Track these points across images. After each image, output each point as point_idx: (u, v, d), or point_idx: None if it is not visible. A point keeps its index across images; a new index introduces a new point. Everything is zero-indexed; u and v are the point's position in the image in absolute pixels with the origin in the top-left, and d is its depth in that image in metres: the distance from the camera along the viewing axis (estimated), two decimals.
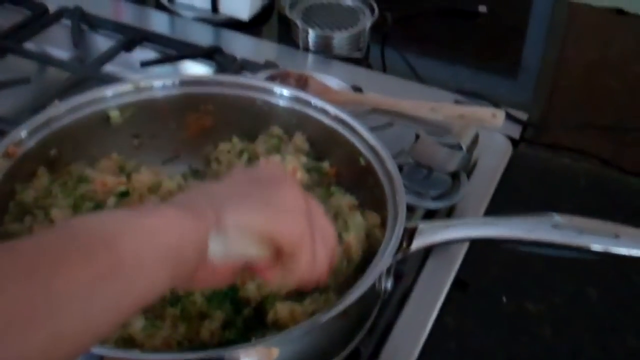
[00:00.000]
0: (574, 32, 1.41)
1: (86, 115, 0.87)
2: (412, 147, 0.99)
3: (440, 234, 0.77)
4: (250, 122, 0.92)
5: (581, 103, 1.21)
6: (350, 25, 1.27)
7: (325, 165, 0.89)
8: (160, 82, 0.91)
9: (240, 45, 1.26)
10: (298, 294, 0.73)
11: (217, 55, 1.20)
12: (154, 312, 0.71)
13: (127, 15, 1.35)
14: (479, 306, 0.87)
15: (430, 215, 0.94)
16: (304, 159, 0.89)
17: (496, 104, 1.13)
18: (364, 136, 0.85)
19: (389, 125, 1.00)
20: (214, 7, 1.32)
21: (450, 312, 0.84)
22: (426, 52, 1.32)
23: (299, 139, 0.91)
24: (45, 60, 1.19)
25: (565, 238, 0.74)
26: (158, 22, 1.32)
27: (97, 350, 0.62)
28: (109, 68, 1.22)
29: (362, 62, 1.25)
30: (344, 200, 0.85)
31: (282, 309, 0.72)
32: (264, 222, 0.58)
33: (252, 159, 0.89)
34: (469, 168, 1.00)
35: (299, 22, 1.25)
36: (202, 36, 1.28)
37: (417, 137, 1.00)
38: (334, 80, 1.07)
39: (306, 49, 1.25)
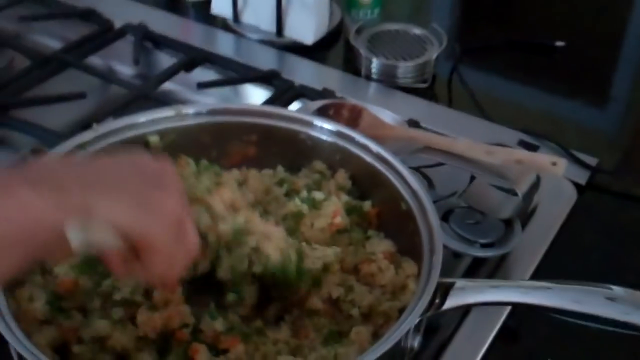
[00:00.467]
0: None
1: (123, 139, 0.85)
2: (465, 189, 0.94)
3: (478, 294, 0.71)
4: (293, 155, 0.89)
5: None
6: (417, 55, 1.22)
7: (367, 205, 0.85)
8: (203, 109, 0.88)
9: (302, 70, 1.23)
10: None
11: (275, 79, 1.17)
12: None
13: (194, 34, 1.33)
14: None
15: (478, 264, 0.88)
16: (345, 197, 0.84)
17: (563, 147, 1.06)
18: (406, 179, 0.80)
19: (442, 163, 0.95)
20: (279, 30, 1.29)
21: None
22: (495, 86, 1.25)
23: (342, 176, 0.87)
24: (103, 76, 1.19)
25: (618, 314, 0.67)
26: (222, 43, 1.31)
27: None
28: (168, 86, 1.21)
29: (426, 93, 1.20)
30: (381, 246, 0.80)
31: None
32: (132, 221, 0.56)
33: (291, 193, 0.85)
34: (525, 215, 0.93)
35: (362, 50, 1.21)
36: (265, 59, 1.25)
37: (472, 178, 0.94)
38: (388, 114, 1.02)
39: (369, 77, 1.21)
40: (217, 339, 0.71)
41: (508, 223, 0.90)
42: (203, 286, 0.75)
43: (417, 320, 0.68)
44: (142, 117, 0.87)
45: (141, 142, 0.86)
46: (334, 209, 0.80)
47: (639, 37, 1.39)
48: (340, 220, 0.80)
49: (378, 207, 0.85)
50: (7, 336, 0.64)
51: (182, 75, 1.21)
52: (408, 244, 0.79)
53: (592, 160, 1.05)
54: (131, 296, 0.72)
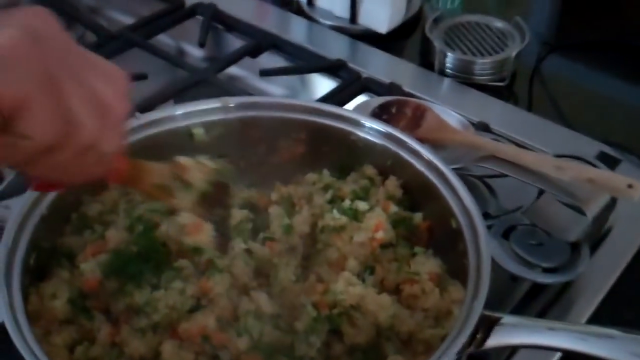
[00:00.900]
0: None
1: (166, 130, 0.81)
2: (531, 204, 0.86)
3: (527, 335, 0.63)
4: (343, 156, 0.83)
5: None
6: (496, 51, 1.13)
7: (418, 217, 0.78)
8: (249, 102, 0.83)
9: (372, 61, 1.16)
10: None
11: (341, 70, 1.11)
12: None
13: (266, 17, 1.28)
14: None
15: (537, 290, 0.81)
16: (394, 207, 0.78)
17: None
18: (459, 193, 0.73)
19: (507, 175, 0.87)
20: (353, 17, 1.23)
21: None
22: (581, 89, 1.16)
23: (392, 184, 0.80)
24: (165, 57, 1.15)
25: None
26: (294, 28, 1.25)
27: None
28: (232, 71, 1.17)
29: (503, 93, 1.12)
30: (427, 265, 0.73)
31: None
32: None
33: (336, 200, 0.79)
34: (595, 239, 0.85)
35: (436, 42, 1.13)
36: (335, 47, 1.19)
37: (541, 193, 0.86)
38: (455, 116, 0.95)
39: (442, 72, 1.14)
40: (238, 358, 0.66)
41: (575, 247, 0.82)
42: None
43: (454, 358, 0.61)
44: (185, 108, 0.82)
45: (185, 133, 0.82)
46: (376, 221, 0.74)
47: None
48: (382, 234, 0.74)
49: (429, 221, 0.78)
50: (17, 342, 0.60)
51: (247, 60, 1.16)
52: (457, 265, 0.72)
53: None
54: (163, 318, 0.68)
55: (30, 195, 0.71)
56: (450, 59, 1.13)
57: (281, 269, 0.72)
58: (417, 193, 0.79)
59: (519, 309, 0.79)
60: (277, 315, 0.70)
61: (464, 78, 1.12)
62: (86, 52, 0.53)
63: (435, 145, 0.89)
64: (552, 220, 0.84)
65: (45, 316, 0.68)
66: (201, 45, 1.18)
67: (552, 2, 1.38)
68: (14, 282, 0.65)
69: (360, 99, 1.07)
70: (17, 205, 0.71)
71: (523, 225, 0.84)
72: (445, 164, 0.75)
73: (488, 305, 0.64)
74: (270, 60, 1.17)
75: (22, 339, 0.61)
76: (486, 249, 0.67)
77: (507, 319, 0.64)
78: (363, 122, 0.81)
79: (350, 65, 1.12)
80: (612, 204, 0.85)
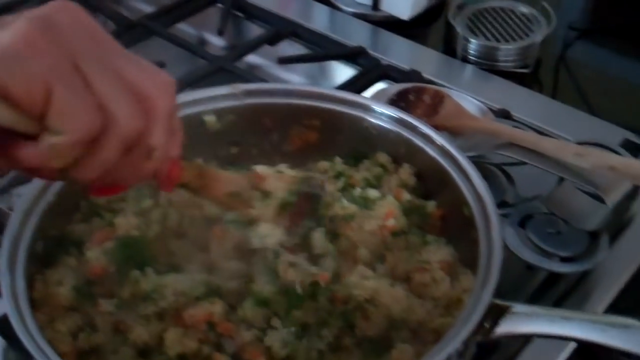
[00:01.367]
0: None
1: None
2: (550, 193, 0.84)
3: (536, 324, 0.61)
4: (356, 143, 0.81)
5: None
6: (521, 37, 1.11)
7: (431, 205, 0.76)
8: (262, 89, 0.82)
9: (393, 48, 1.15)
10: None
11: (360, 57, 1.10)
12: None
13: (288, 4, 1.27)
14: None
15: (554, 279, 0.78)
16: (407, 195, 0.77)
17: None
18: (472, 180, 0.71)
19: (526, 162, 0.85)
20: (375, 3, 1.21)
21: None
22: (605, 75, 1.12)
23: (406, 172, 0.78)
24: (184, 45, 1.15)
25: None
26: (316, 15, 1.24)
27: None
28: (251, 60, 1.16)
29: (527, 80, 1.09)
30: (438, 254, 0.71)
31: None
32: None
33: (347, 188, 0.78)
34: (615, 228, 0.82)
35: (459, 28, 1.11)
36: (357, 34, 1.17)
37: (560, 181, 0.84)
38: (474, 102, 0.93)
39: (465, 59, 1.11)
40: (242, 349, 0.65)
41: (594, 236, 0.79)
42: None
43: (460, 346, 0.59)
44: (197, 95, 0.81)
45: (196, 121, 0.81)
46: (387, 209, 0.73)
47: None
48: (394, 222, 0.73)
49: (443, 209, 0.76)
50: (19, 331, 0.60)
51: (266, 48, 1.15)
52: (469, 254, 0.70)
53: None
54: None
55: (37, 183, 0.71)
56: (473, 46, 1.11)
57: None
58: (431, 181, 0.77)
59: (535, 299, 0.77)
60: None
61: (487, 65, 1.10)
62: (121, 47, 0.50)
63: (453, 132, 0.88)
64: (570, 209, 0.82)
65: (50, 303, 0.68)
66: (220, 33, 1.18)
67: None
68: (18, 269, 0.64)
69: (379, 86, 1.05)
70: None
71: (541, 213, 0.82)
72: (459, 150, 0.73)
73: (502, 294, 0.62)
74: (290, 48, 1.16)
75: (24, 328, 0.60)
76: (498, 237, 0.65)
77: (517, 307, 0.62)
78: (376, 108, 0.80)
79: (370, 52, 1.11)
80: (634, 192, 0.83)
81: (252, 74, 1.10)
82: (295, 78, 1.15)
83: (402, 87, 0.95)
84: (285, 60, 1.10)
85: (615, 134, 0.96)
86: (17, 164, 0.46)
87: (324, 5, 1.26)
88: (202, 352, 0.65)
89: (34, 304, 0.65)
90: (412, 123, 0.77)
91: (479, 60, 1.11)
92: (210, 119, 0.82)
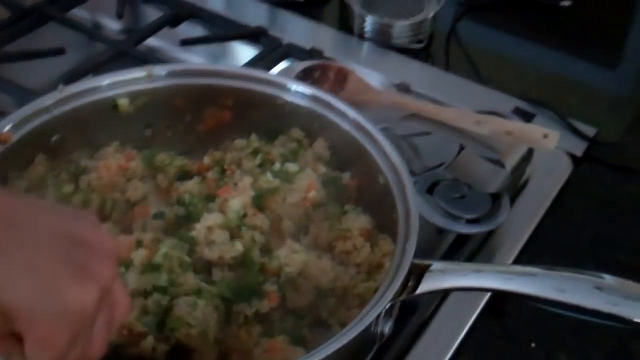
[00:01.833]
0: None
1: (91, 102, 0.81)
2: (453, 160, 0.89)
3: (455, 279, 0.66)
4: (270, 121, 0.84)
5: None
6: (412, 14, 1.16)
7: (346, 177, 0.80)
8: (175, 70, 0.84)
9: (292, 28, 1.17)
10: None
11: (262, 37, 1.12)
12: None
13: None
14: (503, 349, 0.76)
15: (462, 240, 0.84)
16: (323, 168, 0.80)
17: (561, 115, 1.01)
18: (386, 151, 0.75)
19: (431, 132, 0.90)
20: None
21: (469, 353, 0.75)
22: (495, 48, 1.19)
23: (320, 145, 0.82)
24: (83, 30, 1.14)
25: (604, 305, 0.62)
26: None
27: None
28: (151, 43, 1.16)
29: (422, 54, 1.14)
30: (357, 222, 0.75)
31: None
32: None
33: (265, 163, 0.81)
34: (514, 189, 0.88)
35: (355, 7, 1.15)
36: (255, 15, 1.19)
37: (461, 149, 0.90)
38: (377, 77, 0.97)
39: (362, 36, 1.15)
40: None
41: (496, 197, 0.85)
42: None
43: (387, 305, 0.63)
44: (110, 78, 0.82)
45: (110, 104, 0.82)
46: (307, 182, 0.76)
47: None
48: (314, 194, 0.76)
49: (357, 179, 0.80)
50: None
51: (166, 31, 1.15)
52: (386, 220, 0.74)
53: (590, 131, 1.00)
54: None
55: None
56: (369, 23, 1.15)
57: None
58: (345, 153, 0.81)
59: (446, 259, 0.82)
60: None
61: (383, 41, 1.15)
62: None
63: (359, 106, 0.91)
64: (472, 174, 0.87)
65: None
66: (119, 17, 1.17)
67: None
68: None
69: (283, 65, 1.08)
70: None
71: (446, 180, 0.87)
72: (371, 123, 0.77)
73: (417, 257, 0.67)
74: (189, 30, 1.17)
75: None
76: (414, 202, 0.70)
77: (436, 265, 0.66)
78: (289, 85, 0.82)
79: (271, 32, 1.13)
80: (528, 155, 0.89)
81: (154, 57, 1.10)
82: (197, 59, 1.16)
83: (307, 65, 0.98)
84: (188, 42, 1.11)
85: (507, 103, 1.02)
86: None
87: None
88: None
89: None
90: (325, 99, 0.80)
91: (375, 37, 1.15)
92: (123, 102, 0.82)
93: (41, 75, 1.06)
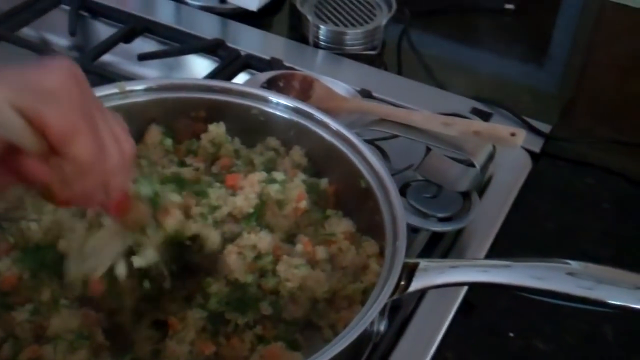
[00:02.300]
0: (606, 35, 1.32)
1: None
2: (421, 162, 0.92)
3: (442, 275, 0.68)
4: (245, 131, 0.85)
5: (613, 114, 1.11)
6: (365, 21, 1.19)
7: (324, 183, 0.82)
8: (148, 85, 0.84)
9: (247, 39, 1.19)
10: None
11: (220, 49, 1.13)
12: None
13: (133, 2, 1.27)
14: (483, 341, 0.80)
15: (435, 238, 0.87)
16: (301, 175, 0.81)
17: (516, 114, 1.05)
18: (365, 155, 0.78)
19: (397, 136, 0.92)
20: None
21: (451, 345, 0.78)
22: (445, 51, 1.23)
23: (297, 153, 0.83)
24: (38, 49, 1.12)
25: (580, 290, 0.66)
26: (163, 11, 1.25)
27: None
28: (107, 59, 1.15)
29: (376, 61, 1.17)
30: (340, 226, 0.77)
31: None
32: (20, 102, 0.52)
33: (246, 164, 0.82)
34: (481, 187, 0.92)
35: (309, 16, 1.17)
36: (208, 27, 1.20)
37: (428, 150, 0.92)
38: (341, 84, 0.99)
39: (317, 45, 1.18)
40: None
41: (465, 196, 0.88)
42: None
43: (382, 306, 0.65)
44: None
45: None
46: (298, 192, 0.77)
47: None
48: (305, 204, 0.77)
49: (335, 184, 0.82)
50: None
51: (121, 46, 1.15)
52: (368, 222, 0.77)
53: (545, 127, 1.04)
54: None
55: None
56: (323, 32, 1.17)
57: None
58: (321, 159, 0.83)
59: (423, 257, 0.85)
60: None
61: (338, 49, 1.17)
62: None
63: (327, 114, 0.93)
64: (441, 174, 0.90)
65: None
66: (72, 34, 1.16)
67: None
68: None
69: (243, 76, 1.09)
70: None
71: (416, 181, 0.90)
72: (348, 129, 0.79)
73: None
74: (143, 45, 1.17)
75: None
76: (399, 203, 0.72)
77: (424, 263, 0.69)
78: (269, 97, 0.84)
79: (228, 44, 1.14)
80: (492, 153, 0.93)
81: (112, 73, 1.09)
82: (154, 74, 1.16)
83: (271, 75, 0.99)
84: (145, 57, 1.11)
85: (464, 104, 1.06)
86: (24, 177, 0.55)
87: (168, 0, 1.27)
88: None
89: None
90: (300, 108, 0.82)
91: (329, 45, 1.17)
92: None
93: None
